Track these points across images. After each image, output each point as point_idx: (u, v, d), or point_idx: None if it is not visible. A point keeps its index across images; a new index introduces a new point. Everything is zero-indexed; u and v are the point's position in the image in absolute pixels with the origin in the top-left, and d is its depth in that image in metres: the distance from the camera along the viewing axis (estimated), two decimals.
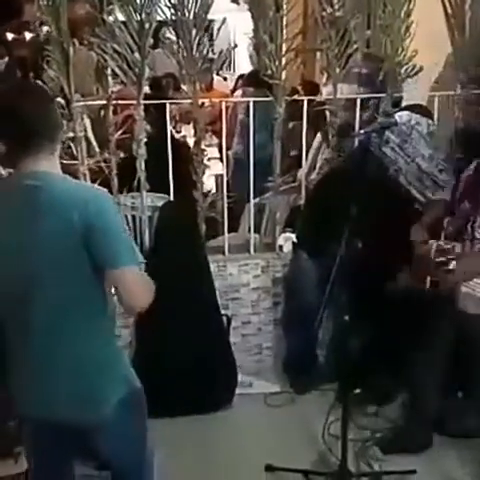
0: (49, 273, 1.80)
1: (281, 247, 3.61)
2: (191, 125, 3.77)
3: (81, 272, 1.81)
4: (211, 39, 3.38)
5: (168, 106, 3.43)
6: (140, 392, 2.04)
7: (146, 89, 3.57)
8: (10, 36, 7.69)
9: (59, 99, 4.01)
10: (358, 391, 3.10)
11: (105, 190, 1.88)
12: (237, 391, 3.36)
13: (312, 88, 4.60)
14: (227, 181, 3.84)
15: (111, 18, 3.17)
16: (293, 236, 3.57)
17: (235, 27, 8.60)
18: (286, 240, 3.59)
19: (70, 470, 2.16)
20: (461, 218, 2.52)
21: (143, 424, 2.08)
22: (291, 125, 4.20)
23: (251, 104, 3.53)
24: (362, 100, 3.40)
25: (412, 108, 3.44)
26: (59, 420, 1.90)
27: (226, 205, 3.59)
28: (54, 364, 1.86)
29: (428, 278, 2.44)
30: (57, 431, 1.95)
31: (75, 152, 3.32)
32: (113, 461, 2.09)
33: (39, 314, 1.82)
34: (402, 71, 3.43)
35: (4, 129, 1.82)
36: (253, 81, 4.61)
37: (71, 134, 3.26)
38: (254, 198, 3.71)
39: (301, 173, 3.92)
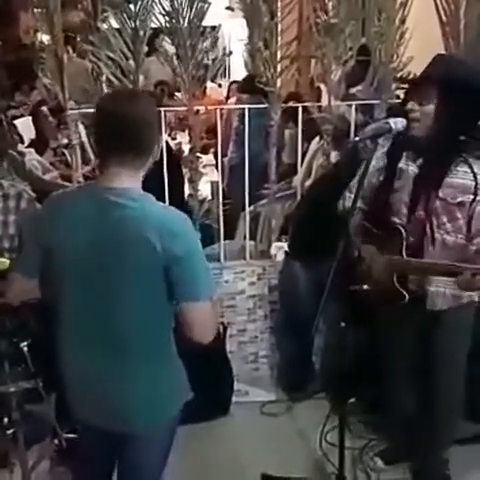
0: (117, 291, 1.77)
1: (275, 255, 3.60)
2: (186, 132, 3.77)
3: (154, 295, 1.78)
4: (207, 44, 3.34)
5: (163, 113, 3.42)
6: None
7: None
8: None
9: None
10: (353, 400, 3.08)
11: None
12: (233, 399, 3.35)
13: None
14: (223, 188, 3.82)
15: (105, 25, 3.17)
16: (285, 245, 3.54)
17: (230, 34, 8.60)
18: (278, 249, 3.57)
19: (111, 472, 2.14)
20: (419, 223, 2.39)
21: (173, 439, 2.06)
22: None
23: (246, 111, 3.53)
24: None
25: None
26: (119, 428, 1.91)
27: (222, 212, 3.58)
28: (124, 377, 1.84)
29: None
30: (110, 436, 1.95)
31: (70, 159, 3.31)
32: (138, 472, 2.03)
33: (107, 324, 1.80)
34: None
35: (101, 134, 1.78)
36: (247, 87, 4.60)
37: (65, 141, 3.26)
38: (250, 205, 3.70)
39: (297, 180, 3.91)
